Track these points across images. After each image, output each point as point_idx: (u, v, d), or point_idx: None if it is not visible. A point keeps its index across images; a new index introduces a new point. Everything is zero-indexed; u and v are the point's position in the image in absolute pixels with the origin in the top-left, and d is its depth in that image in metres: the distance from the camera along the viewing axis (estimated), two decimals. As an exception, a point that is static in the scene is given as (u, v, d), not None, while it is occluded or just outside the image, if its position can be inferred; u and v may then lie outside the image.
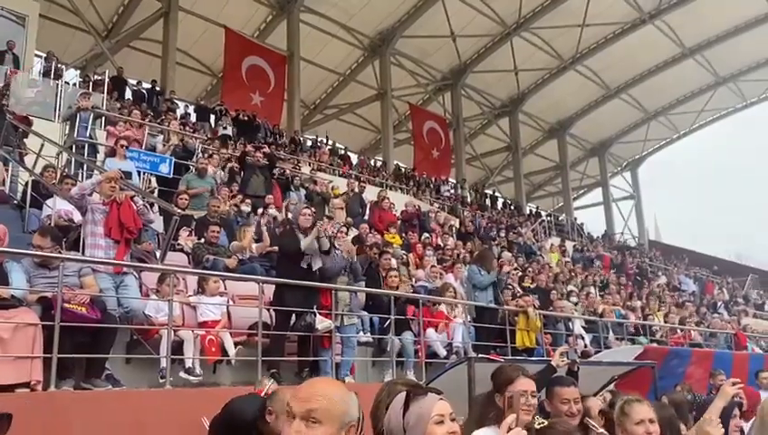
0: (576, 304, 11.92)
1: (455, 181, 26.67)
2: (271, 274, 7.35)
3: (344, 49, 25.62)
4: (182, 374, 5.42)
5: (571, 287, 13.35)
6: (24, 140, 9.68)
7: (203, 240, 7.61)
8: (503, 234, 18.16)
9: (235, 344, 5.96)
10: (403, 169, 24.97)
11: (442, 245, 13.07)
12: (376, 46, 25.58)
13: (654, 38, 26.05)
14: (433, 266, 10.63)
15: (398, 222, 13.23)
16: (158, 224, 7.93)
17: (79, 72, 19.70)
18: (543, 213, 28.11)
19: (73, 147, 9.98)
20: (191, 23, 21.94)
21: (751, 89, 30.36)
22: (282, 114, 22.45)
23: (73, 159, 9.68)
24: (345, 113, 28.34)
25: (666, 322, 13.29)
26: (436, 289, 9.22)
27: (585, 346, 10.12)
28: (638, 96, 30.26)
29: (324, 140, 22.32)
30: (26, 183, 8.11)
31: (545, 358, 6.71)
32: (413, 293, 8.63)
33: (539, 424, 2.19)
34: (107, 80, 15.60)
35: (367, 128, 29.47)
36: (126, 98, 17.29)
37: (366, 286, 8.11)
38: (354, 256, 8.60)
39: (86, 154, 9.91)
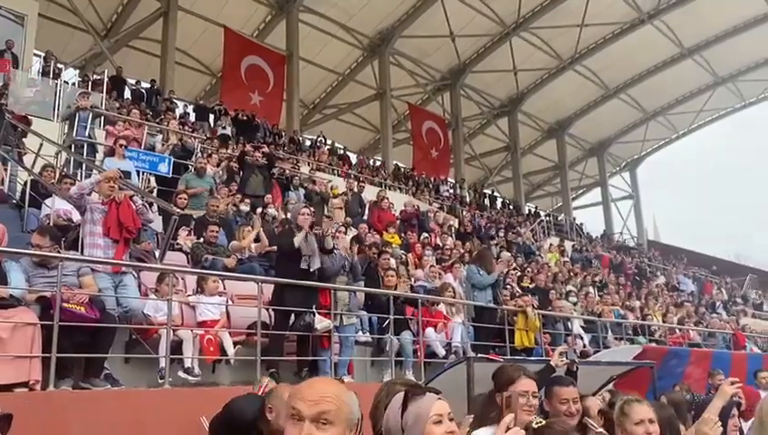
0: (575, 303, 11.93)
1: (454, 181, 26.67)
2: (270, 273, 7.34)
3: (343, 49, 25.62)
4: (181, 374, 5.42)
5: (569, 287, 13.35)
6: (23, 139, 9.66)
7: (202, 240, 7.62)
8: (502, 234, 18.17)
9: (234, 344, 5.95)
10: (402, 169, 24.96)
11: (441, 244, 13.08)
12: (375, 46, 25.58)
13: (653, 38, 26.06)
14: (432, 266, 10.64)
15: (397, 222, 13.23)
16: (157, 223, 7.94)
17: (78, 71, 19.70)
18: (542, 213, 28.09)
19: (72, 146, 9.97)
20: (190, 22, 21.93)
21: (749, 89, 30.39)
22: (281, 114, 22.46)
23: (72, 159, 9.68)
24: (344, 113, 28.34)
25: (664, 322, 13.31)
26: (435, 289, 9.22)
27: (584, 346, 10.12)
28: (636, 96, 30.28)
29: (323, 140, 22.31)
30: (25, 182, 8.11)
31: (544, 358, 6.72)
32: (412, 292, 8.63)
33: (536, 423, 2.19)
34: (106, 79, 15.57)
35: (366, 128, 29.47)
36: (125, 97, 17.27)
37: (365, 286, 8.11)
38: (354, 256, 8.61)
39: (85, 154, 9.91)
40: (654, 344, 10.58)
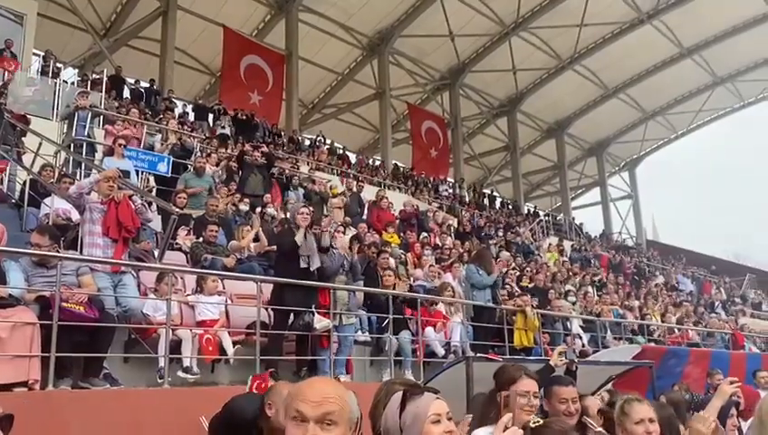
0: (574, 303, 11.94)
1: (453, 181, 26.67)
2: (269, 273, 7.34)
3: (343, 48, 25.61)
4: (180, 373, 5.42)
5: (568, 287, 13.35)
6: (22, 138, 9.66)
7: (201, 239, 7.61)
8: (501, 233, 18.17)
9: (234, 344, 5.95)
10: (401, 169, 24.96)
11: (440, 244, 13.08)
12: (374, 46, 25.57)
13: (652, 38, 26.06)
14: (431, 266, 10.63)
15: (397, 221, 13.22)
16: (156, 223, 7.94)
17: (77, 70, 19.69)
18: (541, 212, 28.09)
19: (71, 146, 9.96)
20: (190, 22, 21.91)
21: (748, 89, 30.39)
22: (280, 113, 22.43)
23: (71, 158, 9.68)
24: (343, 113, 28.32)
25: (663, 321, 13.32)
26: (434, 288, 9.23)
27: (583, 346, 10.13)
28: (636, 96, 30.28)
29: (322, 140, 22.31)
30: (24, 182, 8.10)
31: (543, 357, 6.72)
32: (411, 292, 8.63)
33: (534, 423, 2.19)
34: (105, 79, 15.54)
35: (365, 127, 29.45)
36: (124, 97, 17.26)
37: (364, 286, 8.11)
38: (354, 255, 8.60)
39: (84, 153, 9.90)
40: (653, 344, 10.59)
